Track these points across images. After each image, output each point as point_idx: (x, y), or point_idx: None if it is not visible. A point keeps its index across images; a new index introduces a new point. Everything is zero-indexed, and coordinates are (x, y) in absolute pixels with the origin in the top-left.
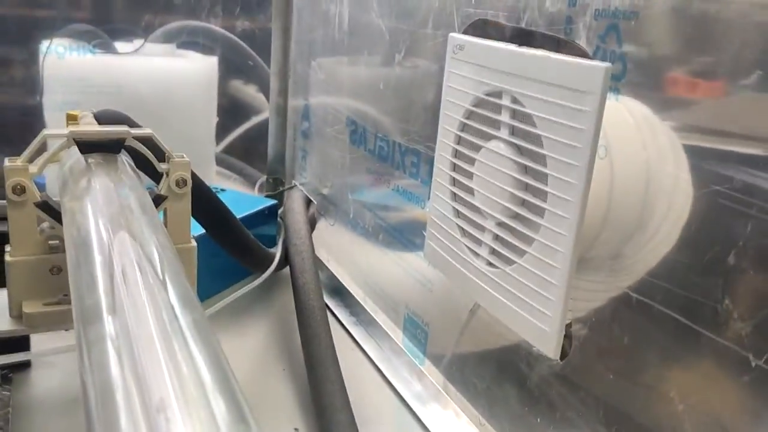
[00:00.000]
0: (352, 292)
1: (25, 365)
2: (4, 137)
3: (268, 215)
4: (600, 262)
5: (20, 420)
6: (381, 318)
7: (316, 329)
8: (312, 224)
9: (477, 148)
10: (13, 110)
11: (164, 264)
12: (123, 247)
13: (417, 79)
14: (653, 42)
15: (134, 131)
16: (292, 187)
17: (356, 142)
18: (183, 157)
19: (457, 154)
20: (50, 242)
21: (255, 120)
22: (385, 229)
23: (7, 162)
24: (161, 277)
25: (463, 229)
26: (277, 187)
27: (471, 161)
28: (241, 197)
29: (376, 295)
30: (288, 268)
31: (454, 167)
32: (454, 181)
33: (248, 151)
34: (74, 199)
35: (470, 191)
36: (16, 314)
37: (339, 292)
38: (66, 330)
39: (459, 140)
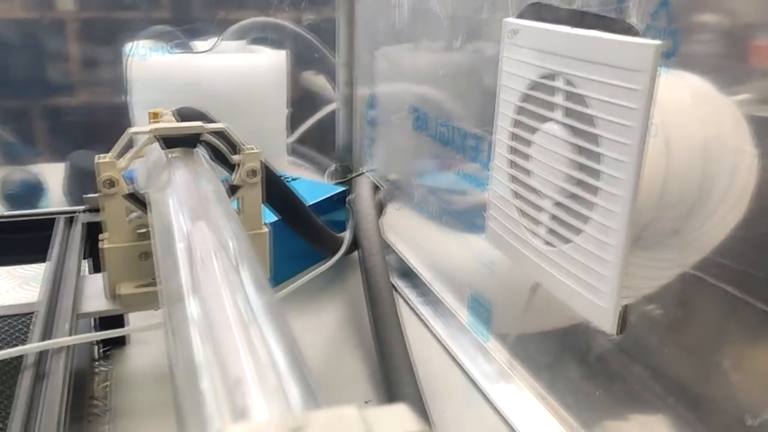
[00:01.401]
0: (418, 273)
1: (122, 343)
2: (93, 135)
3: (338, 201)
4: (659, 239)
5: (119, 393)
6: (447, 298)
7: (385, 309)
8: (379, 209)
9: (533, 131)
10: (101, 109)
11: (238, 251)
12: (201, 235)
13: (475, 65)
14: (707, 15)
15: (208, 126)
16: (360, 174)
17: (419, 128)
18: (253, 148)
19: (513, 136)
20: (138, 231)
21: (325, 110)
22: (449, 213)
23: (98, 158)
24: (235, 263)
25: (521, 209)
26: (345, 175)
27: (527, 143)
28: (312, 185)
29: (442, 276)
30: (357, 251)
31: (512, 150)
32: (512, 164)
33: (319, 141)
34: (158, 190)
35: (527, 173)
36: (112, 295)
37: (407, 273)
38: (156, 310)
39: (515, 123)
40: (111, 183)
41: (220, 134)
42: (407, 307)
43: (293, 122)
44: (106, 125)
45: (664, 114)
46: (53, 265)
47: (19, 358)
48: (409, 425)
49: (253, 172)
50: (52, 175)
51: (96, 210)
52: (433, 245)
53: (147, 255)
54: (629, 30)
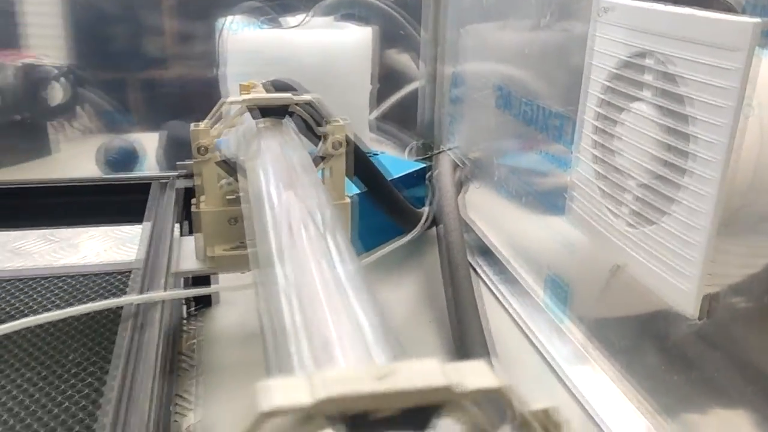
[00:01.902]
0: (496, 252)
1: (208, 304)
2: (186, 106)
3: (418, 178)
4: (750, 225)
5: (206, 350)
6: (524, 277)
7: (461, 284)
8: (459, 187)
9: (620, 110)
10: (193, 82)
11: (324, 219)
12: (290, 204)
13: (562, 43)
14: None
15: (297, 97)
16: (441, 152)
17: (503, 106)
18: (339, 121)
19: (599, 116)
20: (228, 197)
21: (408, 88)
22: (529, 192)
23: (192, 126)
24: (322, 230)
25: (604, 190)
26: (426, 152)
27: (614, 123)
28: (394, 160)
29: (520, 256)
30: (436, 227)
31: (597, 129)
32: (597, 144)
33: (401, 118)
34: (248, 159)
35: (612, 153)
36: (203, 257)
37: (484, 251)
38: (242, 272)
39: (602, 103)
40: (205, 149)
41: (309, 106)
42: (484, 285)
43: (377, 99)
44: (198, 97)
45: (762, 95)
46: (150, 227)
47: (118, 310)
48: (490, 380)
49: (340, 144)
50: (147, 143)
51: (189, 176)
52: (512, 224)
53: (236, 220)
54: (727, 7)
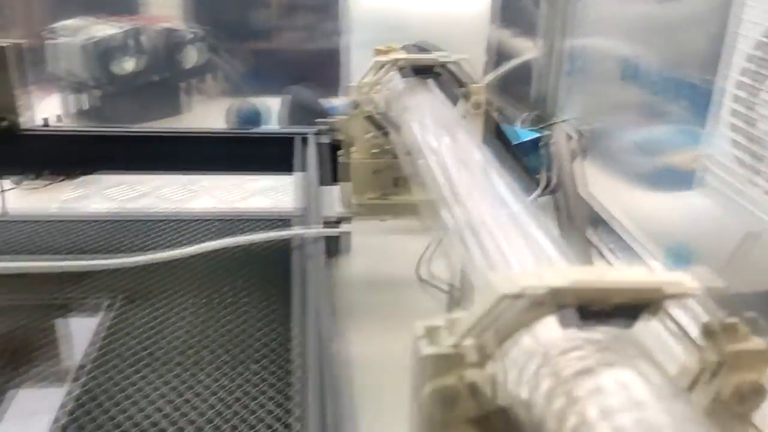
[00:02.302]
0: (614, 222)
1: (343, 250)
2: (307, 72)
3: (532, 147)
4: None
5: (339, 293)
6: (643, 249)
7: (578, 254)
8: (574, 157)
9: (763, 79)
10: (314, 50)
11: (487, 162)
12: (450, 149)
13: (695, 12)
14: None
15: (446, 58)
16: (557, 123)
17: (628, 77)
18: (479, 83)
19: (742, 85)
20: (372, 150)
21: (523, 58)
22: (652, 163)
23: (348, 83)
24: (485, 171)
25: (742, 159)
26: (539, 123)
27: (757, 91)
28: (509, 129)
29: (639, 227)
30: (551, 196)
31: (738, 98)
32: (736, 112)
33: (512, 88)
34: (398, 114)
35: (754, 121)
36: (348, 204)
37: (601, 223)
38: (381, 221)
39: (746, 71)
40: (356, 105)
41: (455, 66)
42: (600, 255)
43: (490, 69)
44: (317, 64)
45: None
46: (299, 177)
47: (279, 244)
48: (691, 286)
49: (478, 105)
50: (271, 106)
51: (324, 132)
52: (630, 196)
53: (379, 171)
54: None
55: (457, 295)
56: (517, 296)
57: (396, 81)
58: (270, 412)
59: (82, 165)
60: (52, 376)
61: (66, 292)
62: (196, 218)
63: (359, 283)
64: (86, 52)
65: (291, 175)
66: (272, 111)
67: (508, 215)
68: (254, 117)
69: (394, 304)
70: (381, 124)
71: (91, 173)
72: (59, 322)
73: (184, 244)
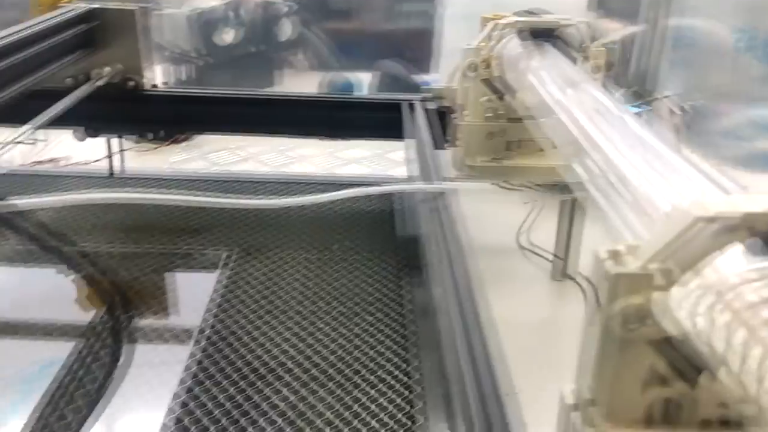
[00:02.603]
0: None
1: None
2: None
3: None
4: None
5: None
6: None
7: None
8: (677, 133)
9: None
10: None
11: (618, 107)
12: (581, 101)
13: None
14: None
15: (566, 21)
16: (658, 99)
17: (744, 50)
18: (601, 47)
19: None
20: (486, 114)
21: (623, 32)
22: (756, 145)
23: (466, 46)
24: (621, 115)
25: None
26: (637, 99)
27: None
28: None
29: None
30: None
31: None
32: None
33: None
34: (518, 76)
35: None
36: (461, 167)
37: None
38: (492, 183)
39: None
40: (474, 67)
41: (575, 29)
42: None
43: None
44: (407, 37)
45: None
46: (414, 142)
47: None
48: None
49: (598, 68)
50: (362, 79)
51: (430, 99)
52: (735, 175)
53: (492, 135)
54: None
55: (560, 263)
56: (710, 220)
57: (513, 44)
58: (389, 359)
59: (200, 125)
60: (183, 316)
61: (187, 244)
62: (301, 181)
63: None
64: (190, 23)
65: (397, 140)
66: (363, 84)
67: (655, 155)
68: (347, 89)
69: (495, 271)
70: (497, 88)
71: (211, 133)
72: (183, 270)
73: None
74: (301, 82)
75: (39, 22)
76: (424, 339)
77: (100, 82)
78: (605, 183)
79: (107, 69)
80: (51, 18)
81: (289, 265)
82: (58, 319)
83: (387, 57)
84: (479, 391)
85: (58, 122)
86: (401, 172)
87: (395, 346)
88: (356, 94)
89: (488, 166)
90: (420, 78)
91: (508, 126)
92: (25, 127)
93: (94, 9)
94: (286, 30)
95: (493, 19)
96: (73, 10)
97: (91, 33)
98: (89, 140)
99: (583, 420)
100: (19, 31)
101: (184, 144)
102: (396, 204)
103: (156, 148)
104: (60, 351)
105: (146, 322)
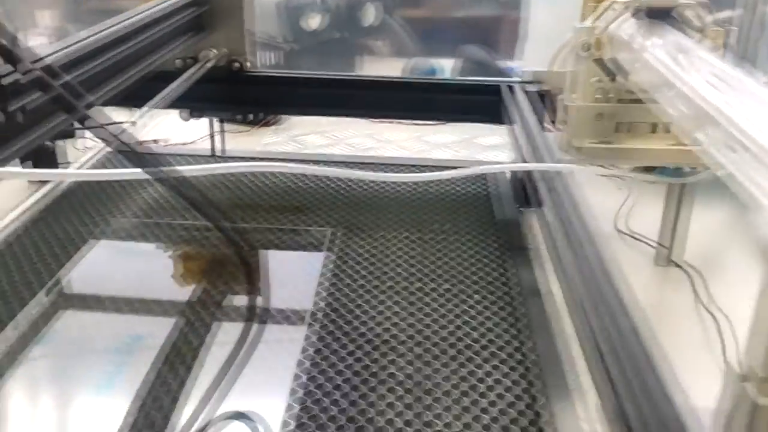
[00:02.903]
0: None
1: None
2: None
3: None
4: None
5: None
6: None
7: None
8: None
9: None
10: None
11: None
12: (707, 74)
13: None
14: None
15: (682, 1)
16: None
17: None
18: (719, 28)
19: None
20: (596, 95)
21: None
22: None
23: (577, 25)
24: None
25: None
26: None
27: None
28: None
29: None
30: None
31: None
32: None
33: None
34: (636, 54)
35: None
36: (566, 149)
37: None
38: (602, 166)
39: None
40: (588, 46)
41: (691, 10)
42: None
43: None
44: (487, 23)
45: None
46: (519, 126)
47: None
48: None
49: (716, 49)
50: (444, 65)
51: (530, 82)
52: None
53: (601, 116)
54: None
55: (664, 249)
56: None
57: (628, 24)
58: (499, 336)
59: (301, 106)
60: (293, 292)
61: (292, 222)
62: (394, 163)
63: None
64: (279, 9)
65: (493, 123)
66: (446, 70)
67: None
68: (430, 74)
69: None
70: (609, 68)
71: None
72: (290, 247)
73: (393, 182)
74: (382, 68)
75: (155, 6)
76: (535, 320)
77: (208, 65)
78: (741, 154)
79: (214, 51)
80: (166, 2)
81: (391, 243)
82: (159, 295)
83: (470, 42)
84: (638, 372)
85: (166, 104)
86: (490, 156)
87: (506, 324)
88: (453, 77)
89: (597, 148)
90: (505, 64)
91: (619, 107)
92: (144, 109)
93: None
94: (370, 16)
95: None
96: None
97: (200, 16)
98: (182, 122)
99: (759, 390)
100: (138, 14)
101: (273, 127)
102: (491, 187)
103: (249, 130)
104: (164, 326)
105: (258, 298)
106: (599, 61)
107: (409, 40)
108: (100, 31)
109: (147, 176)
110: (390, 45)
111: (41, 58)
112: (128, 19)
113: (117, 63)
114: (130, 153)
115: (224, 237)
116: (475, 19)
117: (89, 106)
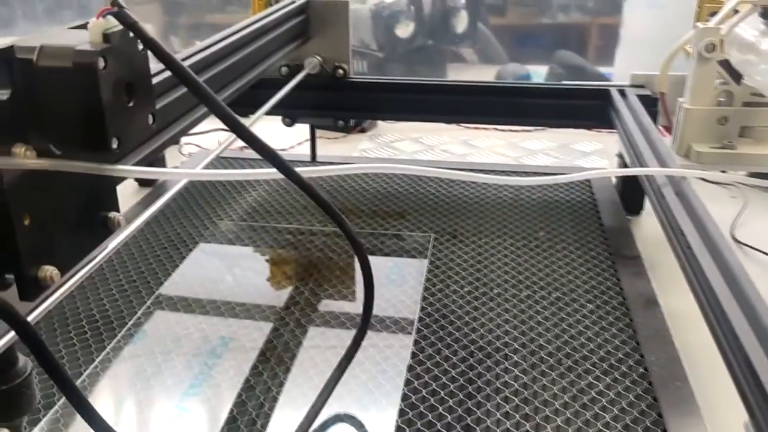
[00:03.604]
0: None
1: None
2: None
3: None
4: None
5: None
6: None
7: None
8: None
9: None
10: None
11: None
12: None
13: None
14: None
15: None
16: None
17: None
18: None
19: None
20: (719, 98)
21: None
22: None
23: (700, 25)
24: None
25: None
26: None
27: None
28: None
29: None
30: None
31: None
32: None
33: None
34: (764, 55)
35: None
36: (684, 153)
37: None
38: (722, 171)
39: None
40: (712, 47)
41: None
42: None
43: None
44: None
45: None
46: (630, 130)
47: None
48: None
49: None
50: (538, 70)
51: (640, 86)
52: None
53: (725, 120)
54: None
55: None
56: None
57: (755, 25)
58: (618, 348)
59: (400, 112)
60: (398, 296)
61: (394, 228)
62: (493, 169)
63: (660, 243)
64: (374, 16)
65: (604, 129)
66: (541, 76)
67: None
68: (525, 80)
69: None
70: (736, 70)
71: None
72: (392, 253)
73: (493, 187)
74: (474, 75)
75: (267, 15)
76: (656, 331)
77: (313, 71)
78: None
79: (318, 58)
80: (276, 11)
81: (495, 250)
82: (256, 298)
83: (564, 48)
84: None
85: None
86: (590, 162)
87: (624, 336)
88: (563, 82)
89: (719, 153)
90: (601, 70)
91: (743, 111)
92: (258, 113)
93: (311, 1)
94: (462, 22)
95: (712, 1)
96: (293, 2)
97: (306, 24)
98: (279, 127)
99: None
100: (252, 24)
101: (369, 133)
102: (597, 193)
103: (345, 136)
104: (262, 328)
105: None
106: (724, 63)
107: (498, 46)
108: (216, 42)
109: (279, 176)
110: (481, 52)
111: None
112: (240, 30)
113: (231, 71)
114: (253, 140)
115: (349, 241)
116: (569, 25)
117: (199, 119)
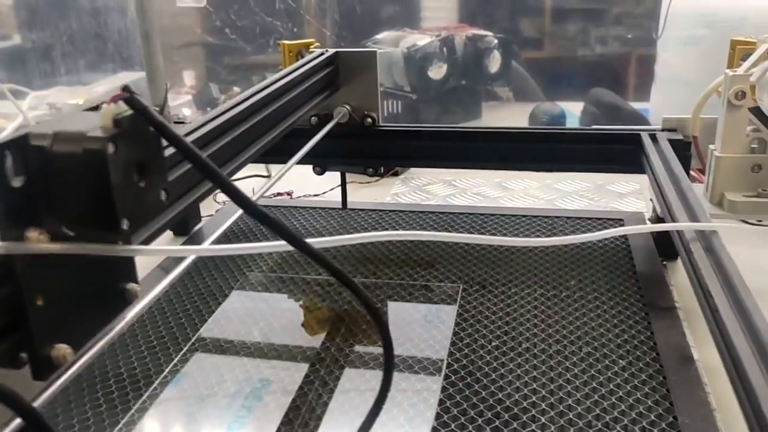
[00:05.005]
0: None
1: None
2: (607, 75)
3: None
4: None
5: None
6: None
7: None
8: None
9: None
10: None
11: None
12: None
13: None
14: None
15: None
16: None
17: None
18: None
19: None
20: (752, 145)
21: None
22: None
23: (729, 72)
24: None
25: None
26: None
27: None
28: None
29: None
30: None
31: None
32: None
33: None
34: None
35: None
36: (717, 202)
37: None
38: (756, 222)
39: None
40: (742, 94)
41: None
42: None
43: None
44: (617, 65)
45: None
46: (662, 177)
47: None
48: None
49: None
50: (573, 107)
51: (672, 129)
52: None
53: (759, 167)
54: None
55: None
56: None
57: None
58: (651, 409)
59: (429, 159)
60: (426, 348)
61: (423, 277)
62: (525, 214)
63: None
64: (407, 59)
65: (634, 173)
66: (575, 114)
67: None
68: (560, 119)
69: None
70: (767, 117)
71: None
72: (422, 301)
73: (524, 236)
74: (508, 114)
75: (298, 68)
76: (691, 392)
77: (342, 120)
78: None
79: (347, 107)
80: (307, 63)
81: (525, 301)
82: (291, 344)
83: (599, 85)
84: None
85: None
86: (626, 204)
87: (657, 396)
88: (593, 126)
89: (753, 202)
90: (636, 106)
91: None
92: (287, 166)
93: (339, 52)
94: (496, 63)
95: (744, 43)
96: (322, 54)
97: (335, 74)
98: (308, 174)
99: None
100: (283, 77)
101: (402, 176)
102: (632, 238)
103: (377, 180)
104: (296, 373)
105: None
106: (755, 110)
107: (536, 84)
108: (249, 97)
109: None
110: (516, 90)
111: (188, 133)
112: (272, 84)
113: (265, 123)
114: (265, 219)
115: (357, 297)
116: (603, 60)
117: (235, 171)
